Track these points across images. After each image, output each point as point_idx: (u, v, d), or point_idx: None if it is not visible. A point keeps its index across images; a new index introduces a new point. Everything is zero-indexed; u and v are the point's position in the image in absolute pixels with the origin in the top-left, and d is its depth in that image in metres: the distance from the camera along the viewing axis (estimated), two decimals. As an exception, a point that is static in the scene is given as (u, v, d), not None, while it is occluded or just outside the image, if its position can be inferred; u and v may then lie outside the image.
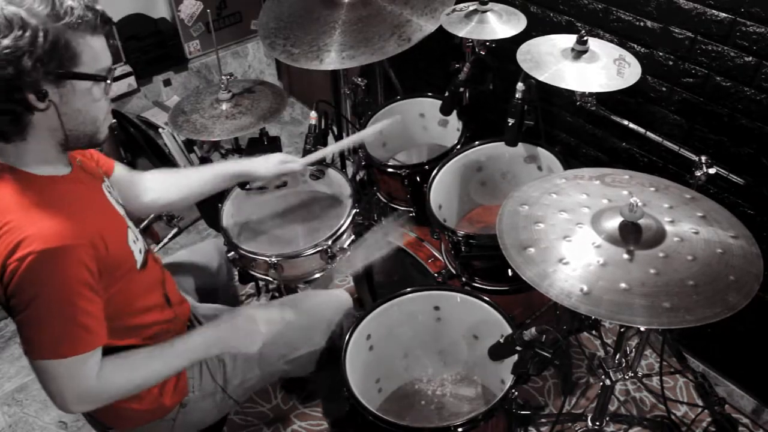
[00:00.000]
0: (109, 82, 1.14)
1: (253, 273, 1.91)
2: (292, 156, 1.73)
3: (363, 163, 2.24)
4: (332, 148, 1.83)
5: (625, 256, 1.20)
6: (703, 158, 1.52)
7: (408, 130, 2.36)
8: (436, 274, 1.91)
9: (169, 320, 1.44)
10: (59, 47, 1.04)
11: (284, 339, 1.58)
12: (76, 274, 1.11)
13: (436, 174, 1.94)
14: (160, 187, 1.58)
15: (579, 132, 2.18)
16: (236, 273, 1.95)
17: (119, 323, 1.27)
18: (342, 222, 1.90)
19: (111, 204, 1.31)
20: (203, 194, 1.65)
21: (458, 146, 2.03)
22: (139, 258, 1.31)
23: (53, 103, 1.07)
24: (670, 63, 1.81)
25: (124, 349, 1.27)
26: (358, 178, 2.43)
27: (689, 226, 1.26)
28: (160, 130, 2.89)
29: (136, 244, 1.31)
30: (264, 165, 1.67)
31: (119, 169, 1.49)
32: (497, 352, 1.41)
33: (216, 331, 1.37)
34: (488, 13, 1.86)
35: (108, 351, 1.22)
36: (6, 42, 1.00)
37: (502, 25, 1.84)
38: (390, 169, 2.07)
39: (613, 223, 1.25)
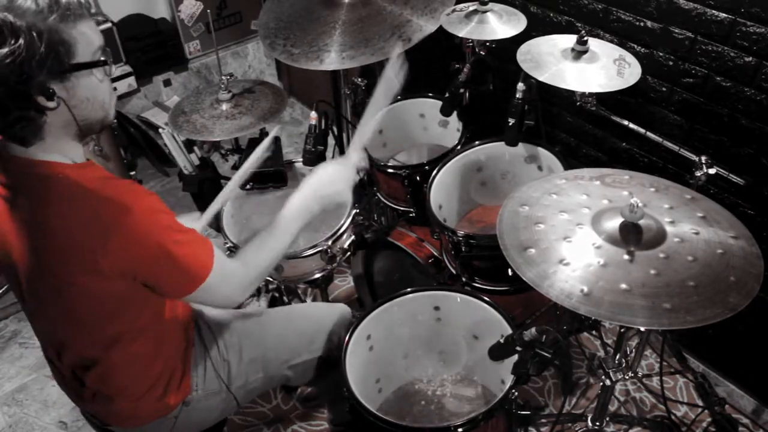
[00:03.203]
0: (108, 64, 1.13)
1: (253, 273, 1.90)
2: None
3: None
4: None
5: (626, 256, 1.20)
6: (703, 158, 1.52)
7: (408, 131, 2.36)
8: (436, 274, 1.91)
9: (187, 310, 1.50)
10: (55, 44, 1.03)
11: (287, 344, 1.59)
12: (165, 210, 1.18)
13: (436, 174, 1.94)
14: None
15: (579, 132, 2.18)
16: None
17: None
18: (342, 222, 1.90)
19: None
20: None
21: (458, 146, 2.03)
22: None
23: (62, 99, 1.07)
24: (670, 63, 1.81)
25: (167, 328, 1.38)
26: (358, 178, 2.43)
27: (689, 226, 1.26)
28: (160, 130, 2.87)
29: None
30: None
31: None
32: (497, 353, 1.41)
33: (309, 188, 1.43)
34: (488, 13, 1.86)
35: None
36: (2, 52, 0.98)
37: (502, 25, 1.84)
38: (390, 169, 2.07)
39: (613, 223, 1.25)
